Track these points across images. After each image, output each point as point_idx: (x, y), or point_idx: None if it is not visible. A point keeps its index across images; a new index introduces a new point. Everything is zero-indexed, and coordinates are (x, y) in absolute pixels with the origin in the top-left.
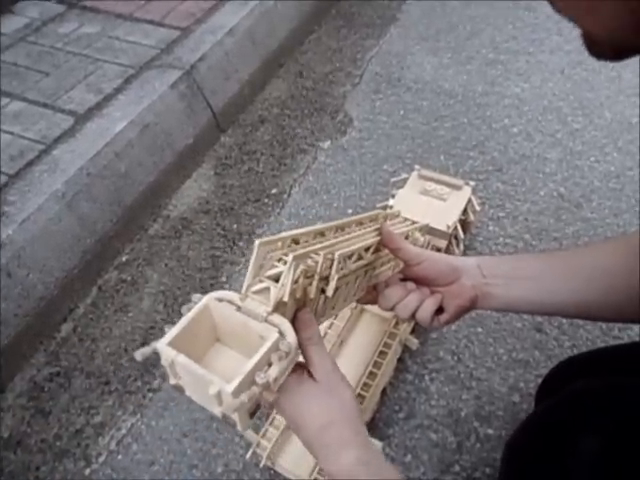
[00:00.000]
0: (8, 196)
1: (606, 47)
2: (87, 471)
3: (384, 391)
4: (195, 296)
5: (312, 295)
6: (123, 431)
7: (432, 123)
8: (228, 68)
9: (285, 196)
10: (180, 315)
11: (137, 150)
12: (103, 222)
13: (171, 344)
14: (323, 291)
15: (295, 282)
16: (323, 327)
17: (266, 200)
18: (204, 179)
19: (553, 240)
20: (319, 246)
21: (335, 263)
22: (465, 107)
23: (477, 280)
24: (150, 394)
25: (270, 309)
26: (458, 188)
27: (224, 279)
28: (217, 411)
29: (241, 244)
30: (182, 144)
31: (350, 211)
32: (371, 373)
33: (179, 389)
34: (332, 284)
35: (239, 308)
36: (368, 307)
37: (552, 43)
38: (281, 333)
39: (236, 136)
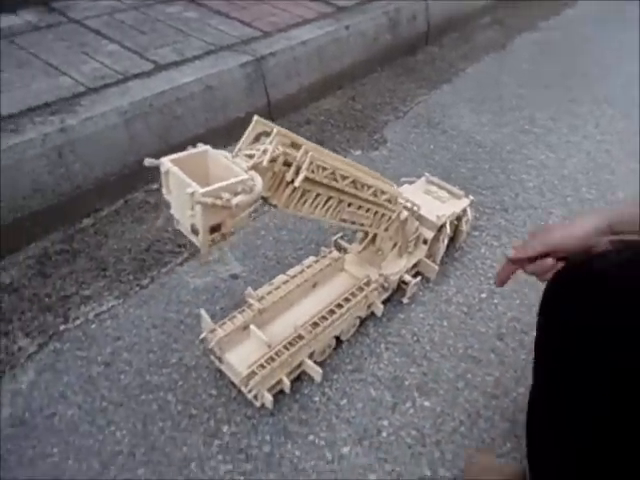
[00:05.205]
0: (82, 100)
1: None
2: (62, 327)
3: (340, 343)
4: (199, 144)
5: (288, 179)
6: (104, 307)
7: (456, 161)
8: (292, 71)
9: None
10: None
11: (196, 103)
12: (148, 148)
13: (171, 161)
14: (293, 181)
15: (274, 160)
16: (303, 266)
17: None
18: None
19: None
20: (307, 145)
21: (307, 160)
22: (490, 157)
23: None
24: (137, 288)
25: (250, 164)
26: (458, 197)
27: None
28: (189, 215)
29: None
30: (234, 114)
31: None
32: (331, 311)
33: (168, 205)
34: (300, 177)
35: (228, 160)
36: (347, 268)
37: (587, 131)
38: (252, 181)
39: (281, 127)
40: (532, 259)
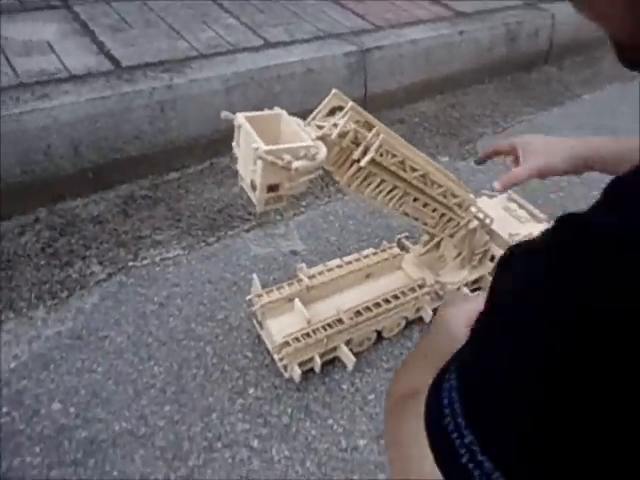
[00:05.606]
0: (192, 64)
1: (633, 53)
2: (130, 263)
3: (381, 339)
4: (275, 108)
5: (355, 157)
6: (170, 254)
7: (550, 187)
8: (396, 68)
9: None
10: None
11: (295, 83)
12: None
13: (245, 117)
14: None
15: (343, 135)
16: (361, 255)
17: None
18: None
19: None
20: (380, 127)
21: (377, 142)
22: (587, 188)
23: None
24: (203, 244)
25: (319, 134)
26: (539, 220)
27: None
28: (250, 170)
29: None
30: None
31: None
32: (377, 304)
33: (234, 159)
34: (367, 157)
35: (299, 127)
36: (405, 267)
37: None
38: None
39: None
40: None
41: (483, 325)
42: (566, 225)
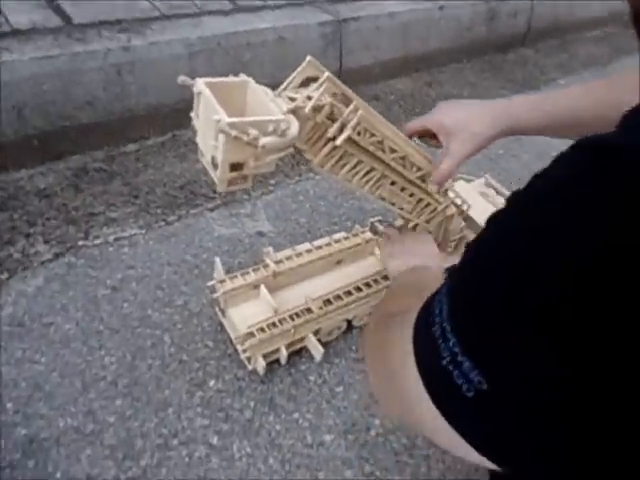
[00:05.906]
0: (152, 24)
1: None
2: (81, 242)
3: (351, 328)
4: (241, 74)
5: (330, 135)
6: (125, 234)
7: (524, 171)
8: (372, 41)
9: None
10: None
11: (266, 51)
12: None
13: (206, 83)
14: (335, 139)
15: (318, 110)
16: (331, 239)
17: None
18: None
19: None
20: (358, 102)
21: (355, 119)
22: None
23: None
24: (162, 223)
25: (291, 107)
26: None
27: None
28: (211, 145)
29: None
30: None
31: None
32: (348, 292)
33: (194, 131)
34: (343, 135)
35: (268, 97)
36: (377, 252)
37: None
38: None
39: None
40: None
41: (481, 242)
42: (587, 150)
